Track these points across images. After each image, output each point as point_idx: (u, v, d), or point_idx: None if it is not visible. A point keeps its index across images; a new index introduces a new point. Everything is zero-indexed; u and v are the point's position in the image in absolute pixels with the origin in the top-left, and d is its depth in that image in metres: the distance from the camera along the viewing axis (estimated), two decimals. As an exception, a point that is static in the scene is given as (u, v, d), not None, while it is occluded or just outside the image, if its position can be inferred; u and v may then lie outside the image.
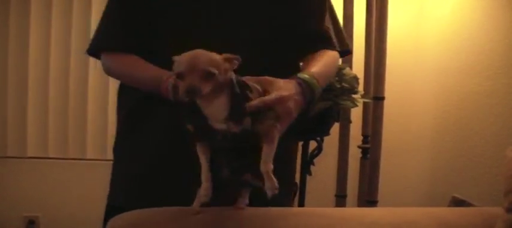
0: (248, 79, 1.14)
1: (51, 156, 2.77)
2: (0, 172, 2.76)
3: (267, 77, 1.19)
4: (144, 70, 1.35)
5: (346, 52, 1.55)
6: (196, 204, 1.18)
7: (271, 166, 1.08)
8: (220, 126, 1.09)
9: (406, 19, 2.54)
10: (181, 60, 1.08)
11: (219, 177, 1.14)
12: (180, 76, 1.06)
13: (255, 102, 1.10)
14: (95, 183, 2.76)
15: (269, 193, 1.08)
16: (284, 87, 1.16)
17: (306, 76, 1.25)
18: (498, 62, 2.12)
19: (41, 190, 2.76)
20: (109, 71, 1.47)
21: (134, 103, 1.44)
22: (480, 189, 2.17)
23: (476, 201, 2.04)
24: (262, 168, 1.08)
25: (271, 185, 1.08)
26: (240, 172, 1.15)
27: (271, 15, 1.40)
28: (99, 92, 2.78)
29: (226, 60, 1.09)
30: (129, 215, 1.21)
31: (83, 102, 2.76)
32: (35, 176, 2.77)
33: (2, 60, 2.73)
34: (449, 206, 2.10)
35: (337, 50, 1.46)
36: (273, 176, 1.08)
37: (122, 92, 1.51)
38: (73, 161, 2.77)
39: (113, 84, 2.77)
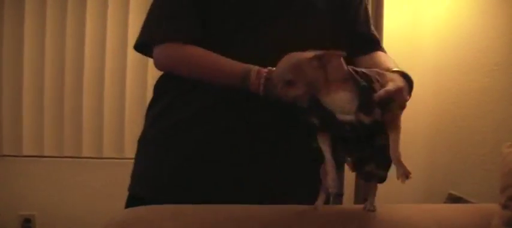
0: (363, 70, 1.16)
1: (46, 154, 2.77)
2: (-5, 171, 2.75)
3: (376, 69, 1.21)
4: (226, 63, 1.30)
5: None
6: (320, 200, 1.20)
7: (400, 153, 1.12)
8: (348, 118, 1.10)
9: (402, 16, 2.54)
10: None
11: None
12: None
13: (381, 92, 1.12)
14: (91, 181, 2.77)
15: (402, 179, 1.11)
16: (397, 79, 1.20)
17: (404, 71, 1.29)
18: (495, 59, 2.12)
19: (36, 188, 2.75)
20: (169, 64, 1.39)
21: (174, 96, 1.40)
22: (476, 186, 2.16)
23: (473, 198, 2.04)
24: (393, 155, 1.11)
25: (403, 171, 1.11)
26: (362, 163, 1.18)
27: (331, 13, 1.41)
28: (94, 90, 2.77)
29: (315, 58, 1.10)
30: (128, 212, 1.21)
31: (78, 100, 2.76)
32: (30, 174, 2.76)
33: (-3, 58, 2.73)
34: (445, 203, 2.11)
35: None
36: (403, 162, 1.11)
37: (163, 84, 1.45)
38: (69, 159, 2.76)
39: (108, 84, 2.77)
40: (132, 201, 1.43)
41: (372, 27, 1.52)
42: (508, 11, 2.07)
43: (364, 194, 1.26)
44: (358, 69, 1.14)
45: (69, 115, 2.77)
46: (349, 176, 2.40)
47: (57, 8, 2.72)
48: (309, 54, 1.10)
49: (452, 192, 2.15)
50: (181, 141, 1.38)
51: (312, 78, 1.09)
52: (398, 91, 1.16)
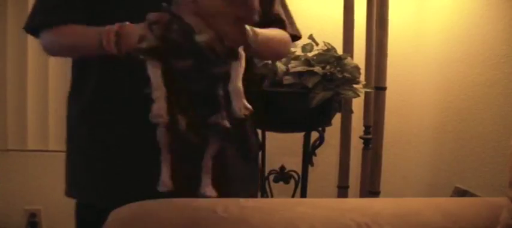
0: None
1: (52, 149, 2.76)
2: (0, 165, 2.75)
3: None
4: (84, 32, 1.32)
5: (296, 37, 1.61)
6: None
7: (241, 86, 1.07)
8: (203, 37, 1.06)
9: (408, 8, 2.53)
10: None
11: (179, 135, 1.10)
12: None
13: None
14: (96, 175, 2.78)
15: (239, 113, 1.07)
16: None
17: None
18: (500, 52, 2.11)
19: (42, 183, 2.75)
20: (50, 48, 1.43)
21: (91, 92, 1.41)
22: (482, 179, 2.16)
23: (479, 192, 2.04)
24: (232, 86, 1.07)
25: (242, 104, 1.06)
26: (203, 117, 1.13)
27: None
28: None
29: None
30: (132, 206, 1.20)
31: (83, 94, 2.76)
32: (36, 169, 2.76)
33: (1, 53, 2.72)
34: (451, 196, 2.10)
35: (288, 32, 1.52)
36: (243, 97, 1.07)
37: (78, 79, 1.47)
38: (74, 153, 2.76)
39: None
40: (83, 208, 1.46)
41: (277, 8, 1.51)
42: (514, 3, 2.06)
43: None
44: None
45: (73, 109, 2.76)
46: (354, 167, 2.41)
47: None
48: None
49: (459, 185, 2.15)
50: (102, 143, 1.39)
51: None
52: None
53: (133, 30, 1.21)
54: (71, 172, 1.52)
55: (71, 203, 2.70)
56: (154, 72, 1.08)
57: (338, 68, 1.93)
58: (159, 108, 1.06)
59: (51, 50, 1.46)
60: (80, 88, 1.45)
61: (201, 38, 1.06)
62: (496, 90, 2.13)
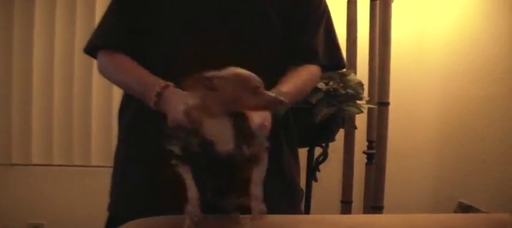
0: None
1: (55, 163, 2.77)
2: (5, 179, 2.76)
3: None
4: (132, 72, 1.35)
5: (339, 66, 1.57)
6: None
7: (261, 190, 1.07)
8: (227, 147, 1.06)
9: (410, 24, 2.54)
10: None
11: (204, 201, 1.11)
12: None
13: (258, 120, 1.09)
14: (100, 190, 2.75)
15: (254, 214, 1.07)
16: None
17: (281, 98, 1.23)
18: (502, 67, 2.13)
19: (45, 197, 2.76)
20: (102, 71, 1.46)
21: (138, 108, 1.42)
22: (485, 194, 2.16)
23: (482, 206, 2.04)
24: (253, 190, 1.07)
25: (260, 209, 1.06)
26: (222, 194, 1.13)
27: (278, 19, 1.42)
28: (103, 98, 2.78)
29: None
30: (134, 224, 1.20)
31: (87, 108, 2.77)
32: (39, 183, 2.77)
33: (6, 67, 2.74)
34: (455, 211, 2.10)
35: (319, 64, 1.47)
36: (261, 200, 1.06)
37: (126, 95, 1.50)
38: (78, 168, 2.77)
39: (118, 91, 2.77)
40: (113, 220, 1.43)
41: (317, 40, 1.47)
42: (515, 20, 2.08)
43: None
44: None
45: (78, 124, 2.77)
46: (357, 182, 2.41)
47: (66, 15, 2.74)
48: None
49: (463, 200, 2.15)
50: (155, 153, 1.39)
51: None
52: (266, 120, 1.13)
53: (174, 97, 1.21)
54: (111, 185, 1.52)
55: (75, 216, 2.72)
56: (186, 174, 1.09)
57: (341, 84, 1.94)
58: (193, 208, 1.07)
59: (103, 73, 1.48)
60: (126, 107, 1.48)
61: (221, 149, 1.06)
62: (498, 104, 2.15)
